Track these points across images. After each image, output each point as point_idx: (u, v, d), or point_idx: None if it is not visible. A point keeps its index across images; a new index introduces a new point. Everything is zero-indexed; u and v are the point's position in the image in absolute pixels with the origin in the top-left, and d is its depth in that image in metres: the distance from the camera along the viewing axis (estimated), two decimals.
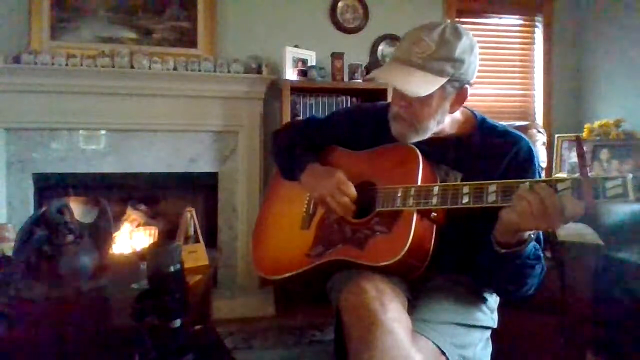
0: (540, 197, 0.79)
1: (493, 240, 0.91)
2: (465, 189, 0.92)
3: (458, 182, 1.00)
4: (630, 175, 0.74)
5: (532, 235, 0.89)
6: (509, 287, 1.00)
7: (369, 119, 1.25)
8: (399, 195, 1.01)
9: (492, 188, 0.88)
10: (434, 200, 0.95)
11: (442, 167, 1.09)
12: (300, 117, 2.69)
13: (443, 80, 0.98)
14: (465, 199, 0.91)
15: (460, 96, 1.04)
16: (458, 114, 1.11)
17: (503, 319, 1.15)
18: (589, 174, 0.76)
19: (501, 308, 1.16)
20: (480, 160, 1.06)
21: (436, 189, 0.96)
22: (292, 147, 1.30)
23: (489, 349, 1.09)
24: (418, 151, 1.06)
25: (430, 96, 0.99)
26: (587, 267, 1.72)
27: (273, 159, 1.41)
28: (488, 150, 1.07)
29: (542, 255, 0.93)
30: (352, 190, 1.09)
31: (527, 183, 0.83)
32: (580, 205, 0.76)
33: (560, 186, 0.80)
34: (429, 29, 1.00)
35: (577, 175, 0.80)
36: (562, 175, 2.90)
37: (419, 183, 1.00)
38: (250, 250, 1.29)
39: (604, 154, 2.77)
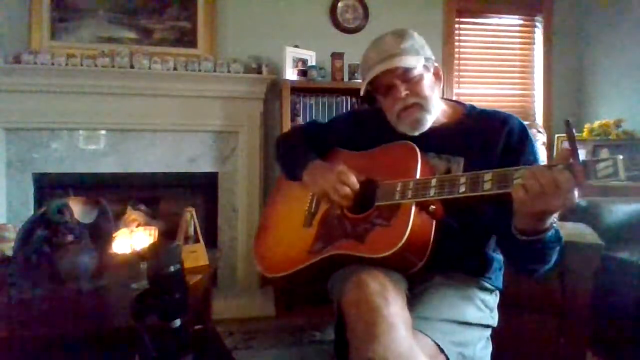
0: (533, 173, 0.83)
1: (513, 228, 0.94)
2: (462, 179, 0.94)
3: (455, 174, 1.04)
4: (621, 156, 0.77)
5: (553, 224, 0.91)
6: (531, 267, 1.03)
7: (369, 122, 1.28)
8: (398, 189, 1.03)
9: (488, 176, 0.91)
10: (432, 192, 0.97)
11: (443, 157, 1.13)
12: (300, 117, 2.71)
13: (422, 57, 1.12)
14: (462, 189, 0.93)
15: (438, 75, 1.17)
16: (444, 105, 1.20)
17: (503, 319, 1.15)
18: (580, 157, 0.80)
19: (501, 308, 1.16)
20: (477, 142, 1.12)
21: (434, 181, 0.99)
22: (295, 148, 1.32)
23: (489, 349, 1.09)
24: (416, 147, 1.09)
25: (420, 73, 1.11)
26: (587, 267, 1.72)
27: (278, 163, 1.42)
28: (482, 131, 1.13)
29: (561, 236, 0.95)
30: (353, 180, 1.10)
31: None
32: (573, 180, 0.79)
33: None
34: (379, 40, 1.13)
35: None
36: None
37: (418, 177, 1.03)
38: (250, 250, 1.29)
39: (604, 154, 2.76)
